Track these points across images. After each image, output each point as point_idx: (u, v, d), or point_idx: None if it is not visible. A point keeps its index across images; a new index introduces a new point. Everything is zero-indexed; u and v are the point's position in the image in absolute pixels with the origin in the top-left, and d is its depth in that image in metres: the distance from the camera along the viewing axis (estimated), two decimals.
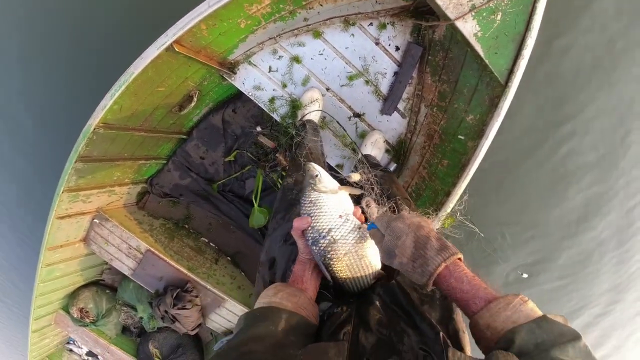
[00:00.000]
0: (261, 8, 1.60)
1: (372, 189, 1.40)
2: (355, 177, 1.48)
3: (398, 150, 1.99)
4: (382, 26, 1.74)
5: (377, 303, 0.88)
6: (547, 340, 0.61)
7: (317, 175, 0.95)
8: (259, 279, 1.31)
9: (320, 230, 0.88)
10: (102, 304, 2.66)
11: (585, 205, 2.51)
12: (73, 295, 2.66)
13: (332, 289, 1.03)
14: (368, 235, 0.90)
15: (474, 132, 1.64)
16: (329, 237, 0.87)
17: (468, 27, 1.38)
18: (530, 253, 2.59)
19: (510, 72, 1.43)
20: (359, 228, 0.90)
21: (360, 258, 0.88)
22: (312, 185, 0.94)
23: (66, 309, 2.67)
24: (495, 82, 1.48)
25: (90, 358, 3.01)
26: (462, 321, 0.85)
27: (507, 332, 0.64)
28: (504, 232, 2.56)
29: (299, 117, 1.93)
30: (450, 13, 1.36)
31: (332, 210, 0.90)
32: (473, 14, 1.36)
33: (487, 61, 1.43)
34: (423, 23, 1.62)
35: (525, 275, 2.52)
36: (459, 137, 1.71)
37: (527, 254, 2.61)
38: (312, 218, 0.90)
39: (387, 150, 2.02)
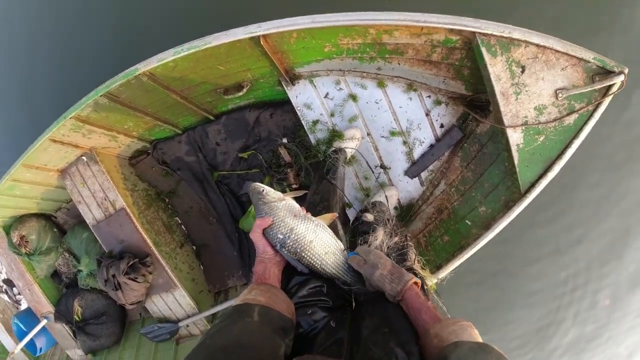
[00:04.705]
0: (350, 43, 1.75)
1: (387, 222, 1.53)
2: (370, 217, 1.60)
3: (406, 211, 2.13)
4: (438, 102, 1.94)
5: (369, 320, 0.97)
6: None
7: (262, 190, 1.06)
8: None
9: (284, 233, 1.00)
10: (45, 240, 2.45)
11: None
12: (21, 219, 2.44)
13: (328, 298, 1.10)
14: (349, 257, 1.06)
15: (481, 223, 1.82)
16: (292, 236, 1.00)
17: (515, 137, 1.59)
18: None
19: (532, 185, 1.64)
20: (313, 221, 1.05)
21: (323, 239, 1.03)
22: (261, 199, 1.05)
23: (7, 229, 2.45)
24: (516, 188, 1.69)
25: (5, 285, 2.69)
26: None
27: (452, 343, 0.72)
28: None
29: (334, 147, 2.04)
30: (507, 120, 1.57)
31: (286, 214, 1.03)
32: (523, 128, 1.57)
33: (517, 169, 1.64)
34: (473, 115, 1.83)
35: None
36: (467, 221, 1.89)
37: None
38: (273, 225, 1.02)
39: (395, 208, 2.16)
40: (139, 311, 2.67)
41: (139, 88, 1.96)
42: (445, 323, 0.77)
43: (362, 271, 1.00)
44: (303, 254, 1.00)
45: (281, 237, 1.00)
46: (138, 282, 2.25)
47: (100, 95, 1.91)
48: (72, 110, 1.97)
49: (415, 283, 0.95)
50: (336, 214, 1.17)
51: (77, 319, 2.40)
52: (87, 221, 2.34)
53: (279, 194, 1.07)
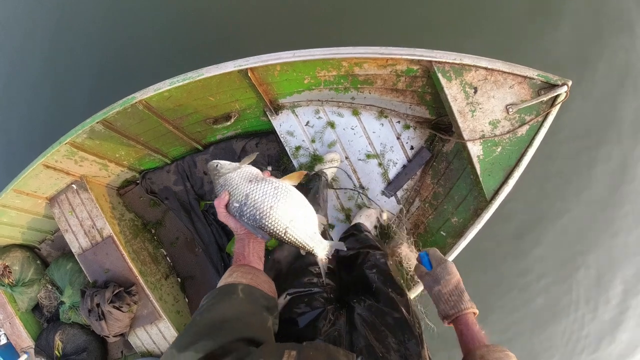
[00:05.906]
0: (327, 75, 1.99)
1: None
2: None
3: (384, 229, 2.25)
4: (407, 127, 2.16)
5: (366, 315, 1.05)
6: None
7: (217, 165, 1.00)
8: None
9: (239, 200, 0.91)
10: (29, 272, 2.42)
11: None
12: (4, 249, 2.42)
13: (323, 294, 1.17)
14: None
15: (455, 232, 1.96)
16: (249, 202, 0.90)
17: (475, 149, 1.79)
18: None
19: (496, 192, 1.81)
20: (272, 183, 0.94)
21: (287, 203, 0.91)
22: (216, 174, 0.99)
23: None
24: (482, 197, 1.85)
25: None
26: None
27: None
28: None
29: (315, 170, 2.20)
30: (466, 135, 1.78)
31: (241, 180, 0.95)
32: (481, 141, 1.78)
33: (481, 179, 1.82)
34: (439, 135, 2.05)
35: None
36: (441, 232, 2.02)
37: None
38: (230, 196, 0.94)
39: (375, 227, 2.28)
40: (120, 348, 2.57)
41: (134, 116, 2.10)
42: (493, 348, 0.84)
43: (423, 282, 1.00)
44: (264, 221, 0.89)
45: (237, 205, 0.91)
46: (123, 311, 2.21)
47: (97, 122, 2.02)
48: (67, 136, 2.07)
49: (474, 313, 0.97)
50: (304, 172, 1.06)
51: (58, 354, 2.29)
52: (73, 250, 2.34)
53: (235, 164, 1.00)
